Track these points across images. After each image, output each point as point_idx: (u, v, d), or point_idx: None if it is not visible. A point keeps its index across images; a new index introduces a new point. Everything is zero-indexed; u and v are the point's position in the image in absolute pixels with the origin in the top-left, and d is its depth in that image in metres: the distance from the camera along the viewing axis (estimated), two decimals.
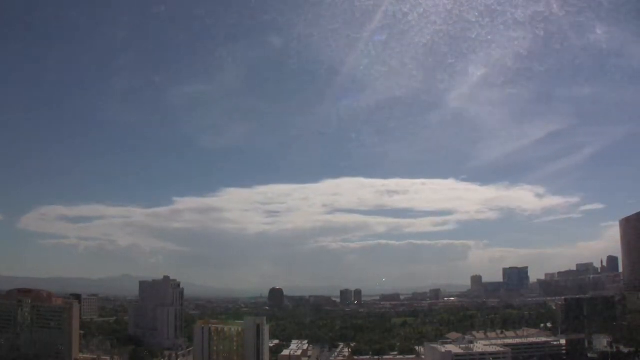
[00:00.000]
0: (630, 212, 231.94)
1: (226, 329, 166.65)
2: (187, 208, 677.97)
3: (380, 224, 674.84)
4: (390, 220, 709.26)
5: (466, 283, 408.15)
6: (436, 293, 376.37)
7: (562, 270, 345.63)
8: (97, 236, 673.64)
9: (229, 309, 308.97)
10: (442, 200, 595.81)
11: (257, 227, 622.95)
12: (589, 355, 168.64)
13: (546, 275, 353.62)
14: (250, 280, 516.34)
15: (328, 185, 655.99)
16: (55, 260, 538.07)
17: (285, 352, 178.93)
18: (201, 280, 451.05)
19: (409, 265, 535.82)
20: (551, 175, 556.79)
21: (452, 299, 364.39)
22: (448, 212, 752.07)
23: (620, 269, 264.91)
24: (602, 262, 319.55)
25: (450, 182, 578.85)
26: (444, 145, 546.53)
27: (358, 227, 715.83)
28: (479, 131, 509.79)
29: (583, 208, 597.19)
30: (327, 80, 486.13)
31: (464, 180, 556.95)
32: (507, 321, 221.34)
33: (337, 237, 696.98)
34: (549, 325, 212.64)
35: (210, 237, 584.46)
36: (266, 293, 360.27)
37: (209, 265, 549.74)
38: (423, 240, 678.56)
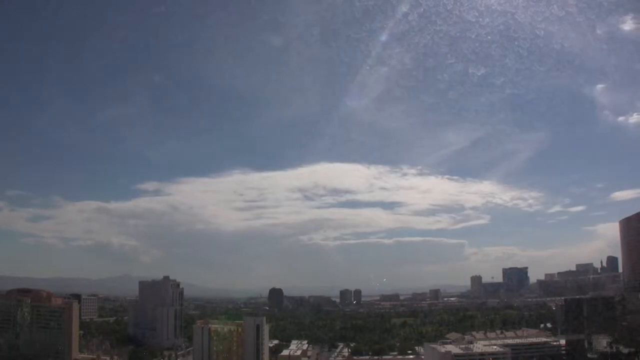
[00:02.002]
0: None
1: (226, 329, 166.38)
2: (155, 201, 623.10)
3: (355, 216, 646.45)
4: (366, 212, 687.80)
5: (466, 283, 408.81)
6: (436, 293, 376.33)
7: (562, 270, 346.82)
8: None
9: (228, 309, 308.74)
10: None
11: (236, 222, 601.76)
12: (589, 355, 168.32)
13: (546, 275, 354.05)
14: (233, 281, 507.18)
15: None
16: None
17: (285, 352, 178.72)
18: (189, 279, 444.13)
19: (403, 263, 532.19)
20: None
21: (452, 299, 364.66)
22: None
23: (620, 269, 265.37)
24: (601, 262, 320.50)
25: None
26: (444, 143, 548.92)
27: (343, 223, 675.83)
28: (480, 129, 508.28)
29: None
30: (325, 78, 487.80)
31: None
32: (506, 321, 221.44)
33: (322, 233, 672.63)
34: (548, 325, 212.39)
35: (185, 233, 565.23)
36: (265, 293, 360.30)
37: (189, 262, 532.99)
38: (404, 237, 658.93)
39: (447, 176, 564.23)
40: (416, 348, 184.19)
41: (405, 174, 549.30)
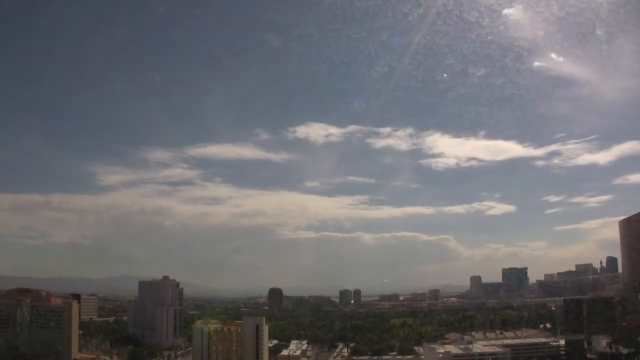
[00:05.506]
0: None
1: (225, 329, 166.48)
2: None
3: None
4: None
5: (465, 283, 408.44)
6: (435, 293, 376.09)
7: (562, 270, 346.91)
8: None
9: (228, 309, 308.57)
10: None
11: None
12: (588, 355, 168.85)
13: (545, 275, 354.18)
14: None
15: None
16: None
17: (285, 352, 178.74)
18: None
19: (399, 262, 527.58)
20: None
21: (452, 299, 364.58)
22: None
23: (620, 270, 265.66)
24: (601, 262, 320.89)
25: None
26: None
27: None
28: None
29: None
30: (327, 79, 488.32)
31: None
32: (506, 322, 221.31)
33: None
34: (548, 325, 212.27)
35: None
36: (265, 293, 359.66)
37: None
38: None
39: None
40: (416, 348, 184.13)
41: None
